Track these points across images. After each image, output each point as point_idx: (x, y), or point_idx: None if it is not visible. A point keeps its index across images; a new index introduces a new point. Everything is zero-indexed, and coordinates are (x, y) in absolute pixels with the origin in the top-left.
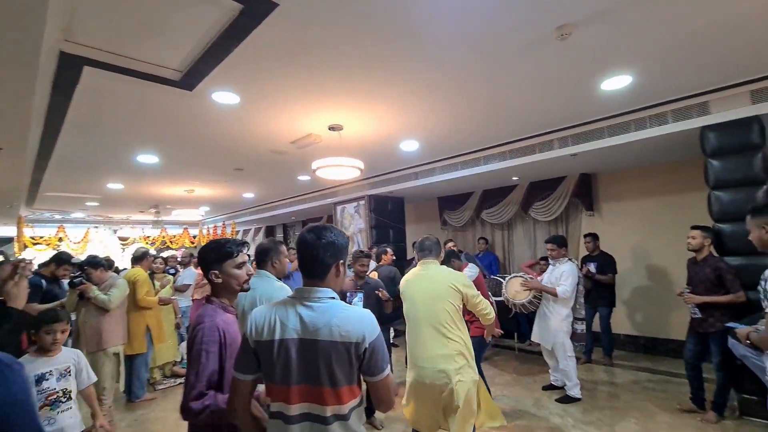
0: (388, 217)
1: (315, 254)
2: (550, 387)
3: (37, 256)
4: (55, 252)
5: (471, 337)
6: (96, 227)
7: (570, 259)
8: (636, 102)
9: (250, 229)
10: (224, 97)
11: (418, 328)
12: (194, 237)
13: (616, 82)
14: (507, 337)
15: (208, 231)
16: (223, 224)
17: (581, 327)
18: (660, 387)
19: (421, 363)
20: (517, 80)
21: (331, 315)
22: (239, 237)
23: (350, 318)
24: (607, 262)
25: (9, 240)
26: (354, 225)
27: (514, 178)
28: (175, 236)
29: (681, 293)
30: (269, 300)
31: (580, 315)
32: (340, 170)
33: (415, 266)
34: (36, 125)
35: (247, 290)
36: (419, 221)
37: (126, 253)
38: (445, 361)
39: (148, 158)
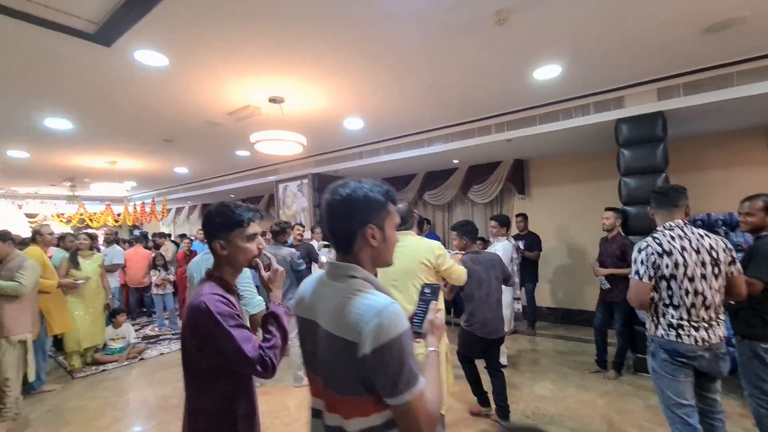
0: None
1: (331, 219)
2: None
3: None
4: None
5: None
6: None
7: (507, 239)
8: (564, 93)
9: (183, 207)
10: (150, 57)
11: None
12: (119, 215)
13: (548, 71)
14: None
15: (135, 208)
16: (152, 200)
17: (518, 306)
18: (573, 352)
19: None
20: (457, 63)
21: (339, 299)
22: (171, 215)
23: (353, 307)
24: (534, 241)
25: None
26: (297, 204)
27: (455, 162)
28: (95, 213)
29: (592, 264)
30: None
31: (516, 294)
32: (281, 145)
33: None
34: None
35: (254, 267)
36: None
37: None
38: None
39: (59, 123)
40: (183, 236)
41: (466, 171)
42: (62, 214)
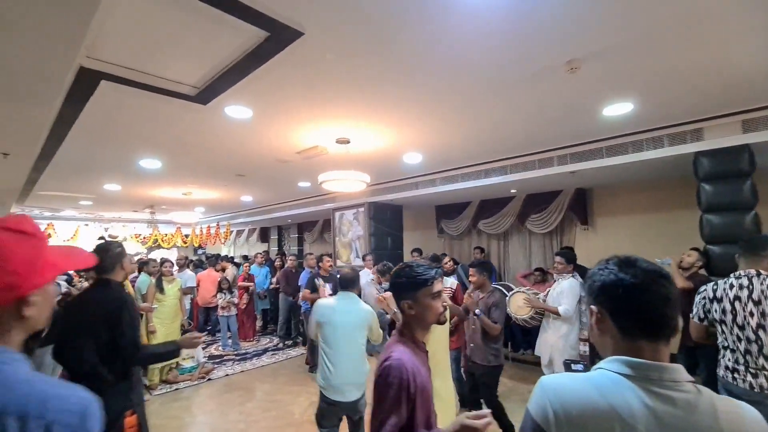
0: (386, 224)
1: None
2: None
3: None
4: None
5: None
6: (86, 224)
7: (573, 275)
8: (634, 126)
9: (243, 230)
10: (237, 111)
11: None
12: (186, 236)
13: (618, 109)
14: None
15: (201, 230)
16: (217, 224)
17: (585, 348)
18: None
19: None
20: (523, 104)
21: (712, 415)
22: (232, 237)
23: (747, 422)
24: (583, 275)
25: None
26: (352, 232)
27: (512, 191)
28: (166, 235)
29: None
30: (355, 317)
31: (584, 336)
32: (346, 183)
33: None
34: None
35: (442, 323)
36: (416, 228)
37: None
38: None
39: (151, 163)
40: (245, 258)
41: (523, 199)
42: (139, 235)
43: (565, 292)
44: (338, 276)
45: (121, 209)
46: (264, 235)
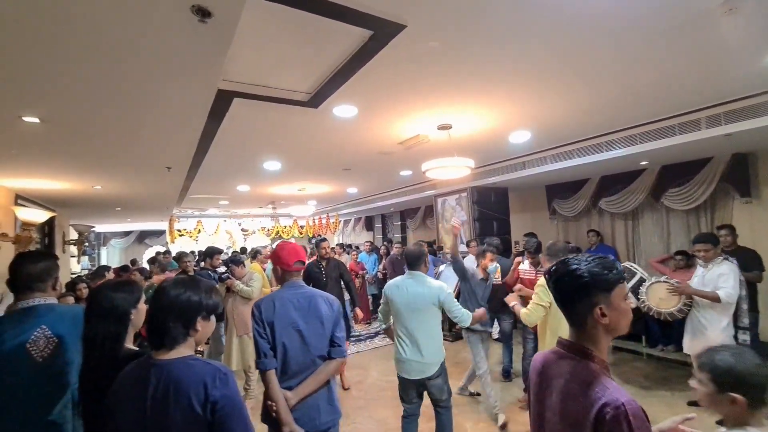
0: (491, 208)
1: None
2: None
3: (182, 245)
4: (196, 243)
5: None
6: (225, 220)
7: (726, 258)
8: None
9: (350, 219)
10: (344, 110)
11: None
12: (302, 227)
13: None
14: (631, 340)
15: (313, 222)
16: (327, 216)
17: (744, 337)
18: None
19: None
20: (660, 61)
21: None
22: (340, 226)
23: None
24: (749, 258)
25: (162, 232)
26: (456, 218)
27: (643, 163)
28: (285, 227)
29: None
30: (423, 297)
31: (744, 323)
32: (450, 170)
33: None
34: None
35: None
36: (524, 211)
37: (247, 242)
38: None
39: (272, 165)
40: (349, 246)
41: (657, 171)
42: (264, 228)
43: (726, 275)
44: (405, 254)
45: (250, 206)
46: (369, 224)
